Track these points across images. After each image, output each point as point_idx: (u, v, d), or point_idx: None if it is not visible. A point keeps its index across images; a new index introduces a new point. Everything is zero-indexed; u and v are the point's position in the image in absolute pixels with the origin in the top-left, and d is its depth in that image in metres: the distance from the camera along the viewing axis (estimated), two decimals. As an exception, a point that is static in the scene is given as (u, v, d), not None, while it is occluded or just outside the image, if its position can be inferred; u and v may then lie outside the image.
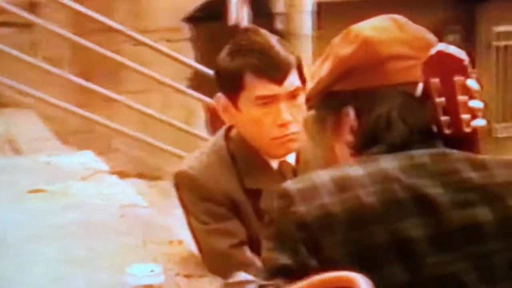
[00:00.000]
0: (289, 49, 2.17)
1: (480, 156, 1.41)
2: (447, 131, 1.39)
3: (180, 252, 2.36)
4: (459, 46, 1.45)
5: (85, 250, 2.30)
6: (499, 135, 7.58)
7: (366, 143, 1.40)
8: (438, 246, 1.32)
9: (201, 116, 6.26)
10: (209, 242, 2.18)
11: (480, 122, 1.42)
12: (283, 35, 5.53)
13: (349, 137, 1.44)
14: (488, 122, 1.47)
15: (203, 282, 2.14)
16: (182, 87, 5.72)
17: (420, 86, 1.40)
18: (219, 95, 2.20)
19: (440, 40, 1.49)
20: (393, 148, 1.38)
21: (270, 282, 1.26)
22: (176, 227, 2.65)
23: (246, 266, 2.15)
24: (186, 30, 6.35)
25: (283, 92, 2.11)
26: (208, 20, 6.43)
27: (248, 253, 2.17)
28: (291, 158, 2.22)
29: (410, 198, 1.33)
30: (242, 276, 1.31)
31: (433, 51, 1.41)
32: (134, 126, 5.75)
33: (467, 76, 1.41)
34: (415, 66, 1.42)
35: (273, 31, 6.79)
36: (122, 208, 2.79)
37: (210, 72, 5.45)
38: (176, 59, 5.42)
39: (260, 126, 2.13)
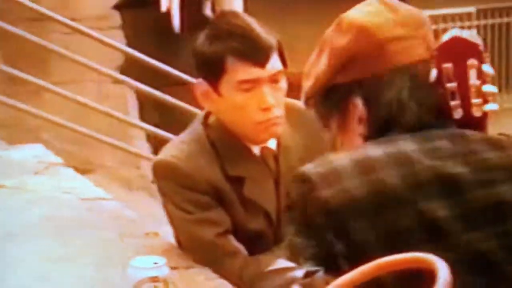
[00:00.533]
0: (269, 32, 2.13)
1: (495, 137, 1.42)
2: (456, 116, 1.38)
3: (160, 244, 2.30)
4: None
5: (64, 247, 2.21)
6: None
7: (381, 131, 1.38)
8: (467, 224, 1.31)
9: (135, 105, 6.16)
10: (194, 232, 2.14)
11: (491, 107, 1.42)
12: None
13: (359, 128, 1.41)
14: None
15: (191, 273, 2.10)
16: (118, 74, 5.60)
17: (434, 72, 1.38)
18: (199, 80, 2.15)
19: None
20: (409, 129, 1.37)
21: (316, 269, 1.23)
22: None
23: (232, 254, 2.12)
24: (115, 18, 6.22)
25: (266, 75, 2.08)
26: (137, 7, 6.32)
27: (233, 241, 2.14)
28: (272, 144, 2.19)
29: (433, 178, 1.32)
30: (283, 263, 1.28)
31: (447, 36, 1.41)
32: (65, 119, 5.60)
33: (482, 61, 1.41)
34: (415, 46, 1.42)
35: (202, 16, 6.73)
36: (86, 201, 2.70)
37: (145, 58, 5.37)
38: (112, 46, 5.29)
39: (244, 111, 2.09)
